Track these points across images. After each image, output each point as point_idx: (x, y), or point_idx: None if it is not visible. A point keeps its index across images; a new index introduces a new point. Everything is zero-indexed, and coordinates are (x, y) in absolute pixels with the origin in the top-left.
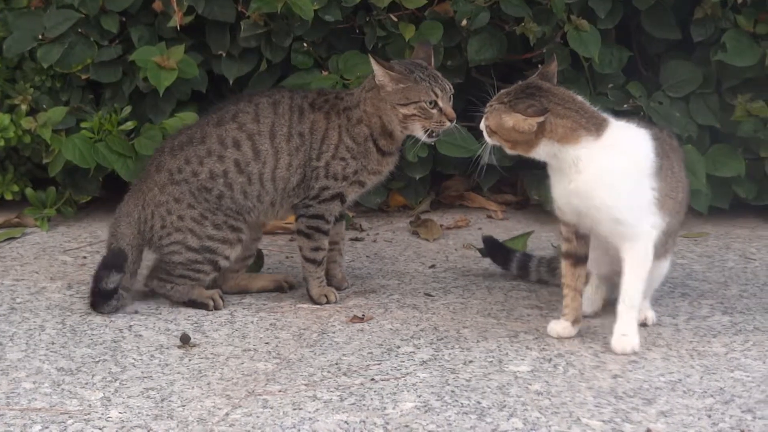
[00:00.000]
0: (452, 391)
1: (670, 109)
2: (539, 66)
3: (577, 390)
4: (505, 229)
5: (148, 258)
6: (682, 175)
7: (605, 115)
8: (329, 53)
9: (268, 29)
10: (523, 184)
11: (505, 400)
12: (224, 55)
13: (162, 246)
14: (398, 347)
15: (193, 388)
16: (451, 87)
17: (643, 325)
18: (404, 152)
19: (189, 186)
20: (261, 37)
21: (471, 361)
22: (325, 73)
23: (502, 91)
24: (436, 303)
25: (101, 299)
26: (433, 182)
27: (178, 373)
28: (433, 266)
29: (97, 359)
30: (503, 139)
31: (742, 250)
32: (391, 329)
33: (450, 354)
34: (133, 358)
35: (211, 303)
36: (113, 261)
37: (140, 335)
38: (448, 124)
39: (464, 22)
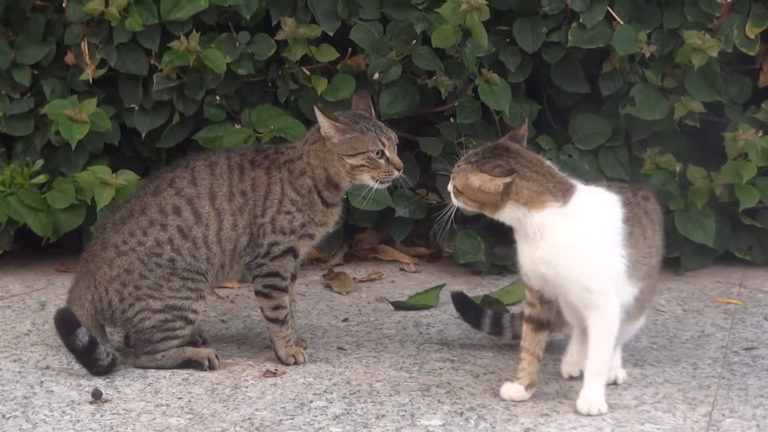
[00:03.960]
0: None
1: (579, 162)
2: (451, 119)
3: None
4: (418, 281)
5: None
6: (657, 239)
7: (573, 181)
8: (242, 106)
9: (181, 82)
10: (436, 237)
11: None
12: (137, 108)
13: (128, 318)
14: (311, 402)
15: None
16: (396, 136)
17: (613, 383)
18: (349, 203)
19: (137, 254)
20: (173, 90)
21: (383, 416)
22: (237, 126)
23: (470, 152)
24: (348, 357)
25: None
26: (346, 235)
27: (90, 429)
28: (346, 320)
29: (7, 416)
30: (469, 200)
31: (653, 303)
32: (304, 384)
33: (363, 408)
34: (45, 414)
35: (206, 363)
36: (63, 324)
37: (52, 391)
38: (396, 173)
39: (376, 76)
